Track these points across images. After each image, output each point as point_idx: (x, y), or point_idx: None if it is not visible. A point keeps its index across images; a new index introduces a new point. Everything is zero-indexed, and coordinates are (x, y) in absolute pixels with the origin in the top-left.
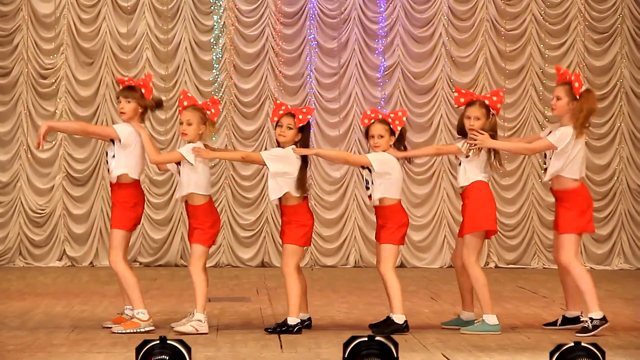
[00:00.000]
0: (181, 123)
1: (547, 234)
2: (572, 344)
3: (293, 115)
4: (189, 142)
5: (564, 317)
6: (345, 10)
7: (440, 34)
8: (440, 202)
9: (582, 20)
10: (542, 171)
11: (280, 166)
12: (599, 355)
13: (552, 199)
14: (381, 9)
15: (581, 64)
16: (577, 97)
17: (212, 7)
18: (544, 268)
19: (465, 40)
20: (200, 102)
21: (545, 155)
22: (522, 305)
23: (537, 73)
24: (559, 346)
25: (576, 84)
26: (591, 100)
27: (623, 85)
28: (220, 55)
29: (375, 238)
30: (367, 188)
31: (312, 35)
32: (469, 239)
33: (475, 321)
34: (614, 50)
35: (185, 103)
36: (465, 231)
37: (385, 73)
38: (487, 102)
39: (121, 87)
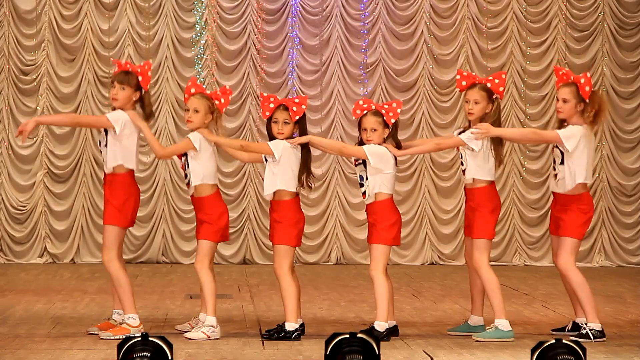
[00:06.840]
0: (187, 110)
1: (528, 231)
2: (554, 341)
3: (286, 108)
4: (193, 131)
5: (573, 322)
6: (327, 7)
7: (422, 31)
8: (421, 199)
9: (563, 18)
10: (554, 177)
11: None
12: (580, 353)
13: (532, 197)
14: (363, 7)
15: (562, 62)
16: (586, 100)
17: (194, 4)
18: (525, 265)
19: (447, 37)
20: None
21: (554, 161)
22: (503, 302)
23: (518, 71)
24: (540, 343)
25: (587, 88)
26: (603, 99)
27: (604, 83)
28: (202, 52)
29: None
30: (362, 185)
31: (294, 33)
32: (479, 241)
33: (488, 327)
34: (594, 48)
35: (193, 90)
36: (476, 236)
37: (367, 70)
38: (489, 84)
39: (117, 71)
